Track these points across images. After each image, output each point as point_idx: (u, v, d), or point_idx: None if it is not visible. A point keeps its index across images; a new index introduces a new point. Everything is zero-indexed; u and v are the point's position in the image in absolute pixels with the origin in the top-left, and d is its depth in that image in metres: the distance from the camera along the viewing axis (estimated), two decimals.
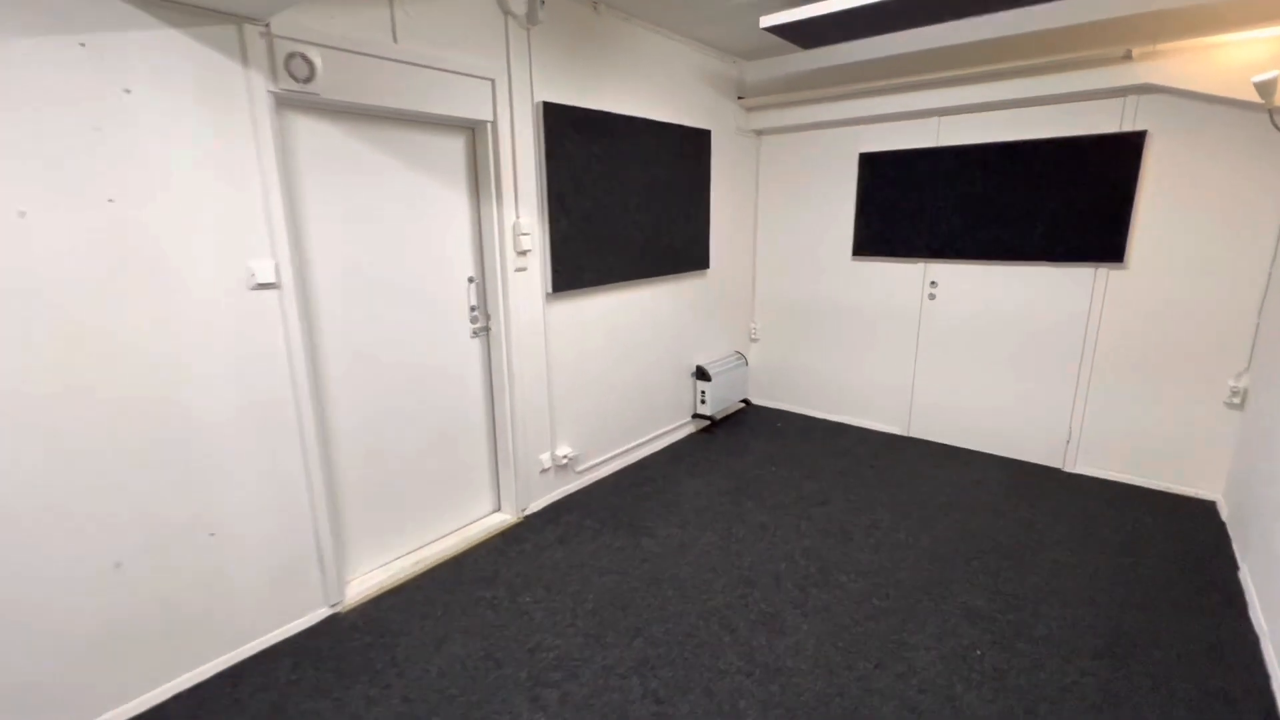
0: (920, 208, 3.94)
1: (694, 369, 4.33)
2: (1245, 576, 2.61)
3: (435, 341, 2.82)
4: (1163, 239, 3.26)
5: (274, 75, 2.04)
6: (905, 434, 4.31)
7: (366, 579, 2.66)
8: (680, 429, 4.30)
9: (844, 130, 4.20)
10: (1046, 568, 2.72)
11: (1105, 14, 2.82)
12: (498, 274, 2.92)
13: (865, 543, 2.94)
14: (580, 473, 3.54)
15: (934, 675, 2.12)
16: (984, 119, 3.66)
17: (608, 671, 2.14)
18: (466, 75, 2.61)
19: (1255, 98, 2.75)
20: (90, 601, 1.86)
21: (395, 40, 2.36)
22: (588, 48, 3.14)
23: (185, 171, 1.89)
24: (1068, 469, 3.71)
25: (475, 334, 3.00)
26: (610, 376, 3.64)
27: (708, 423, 4.47)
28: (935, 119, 3.83)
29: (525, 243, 2.97)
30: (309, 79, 2.12)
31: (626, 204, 3.46)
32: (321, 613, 2.43)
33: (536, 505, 3.29)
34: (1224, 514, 3.15)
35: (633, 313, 3.72)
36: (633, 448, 3.89)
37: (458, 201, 2.82)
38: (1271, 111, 2.83)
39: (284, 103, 2.16)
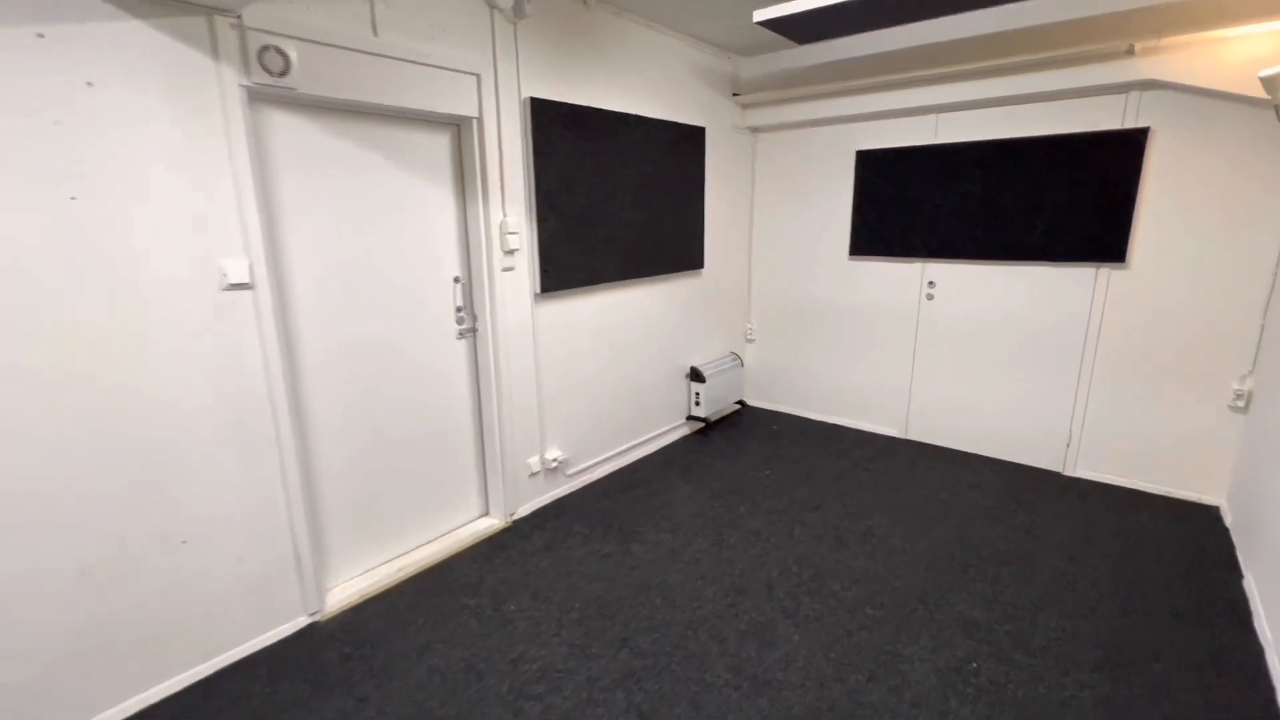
0: (918, 206, 3.87)
1: (688, 370, 4.26)
2: (1250, 585, 2.54)
3: (420, 343, 2.76)
4: (1165, 238, 3.19)
5: (247, 69, 1.98)
6: (903, 436, 4.24)
7: (348, 586, 2.59)
8: (674, 431, 4.24)
9: (840, 127, 4.13)
10: (1045, 575, 2.65)
11: (1107, 8, 2.75)
12: (484, 274, 2.86)
13: (860, 549, 2.87)
14: (571, 476, 3.47)
15: (928, 689, 2.05)
16: (983, 116, 3.59)
17: (592, 684, 2.08)
18: (451, 70, 2.54)
19: (1261, 93, 2.68)
20: (53, 610, 1.80)
21: (375, 34, 2.29)
22: (577, 43, 3.07)
23: (152, 167, 1.82)
24: (1068, 473, 3.64)
25: (462, 335, 2.93)
26: (602, 378, 3.57)
27: (702, 425, 4.40)
28: (933, 116, 3.76)
29: (513, 242, 2.90)
30: (284, 73, 2.06)
31: (618, 202, 3.39)
32: (300, 621, 2.36)
33: (525, 509, 3.23)
34: (1228, 520, 3.08)
35: (625, 313, 3.66)
36: (625, 450, 3.82)
37: (443, 200, 2.76)
38: (1278, 108, 2.76)
39: (258, 97, 2.10)
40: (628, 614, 2.43)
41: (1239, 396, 3.08)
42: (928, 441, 4.13)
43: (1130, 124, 3.18)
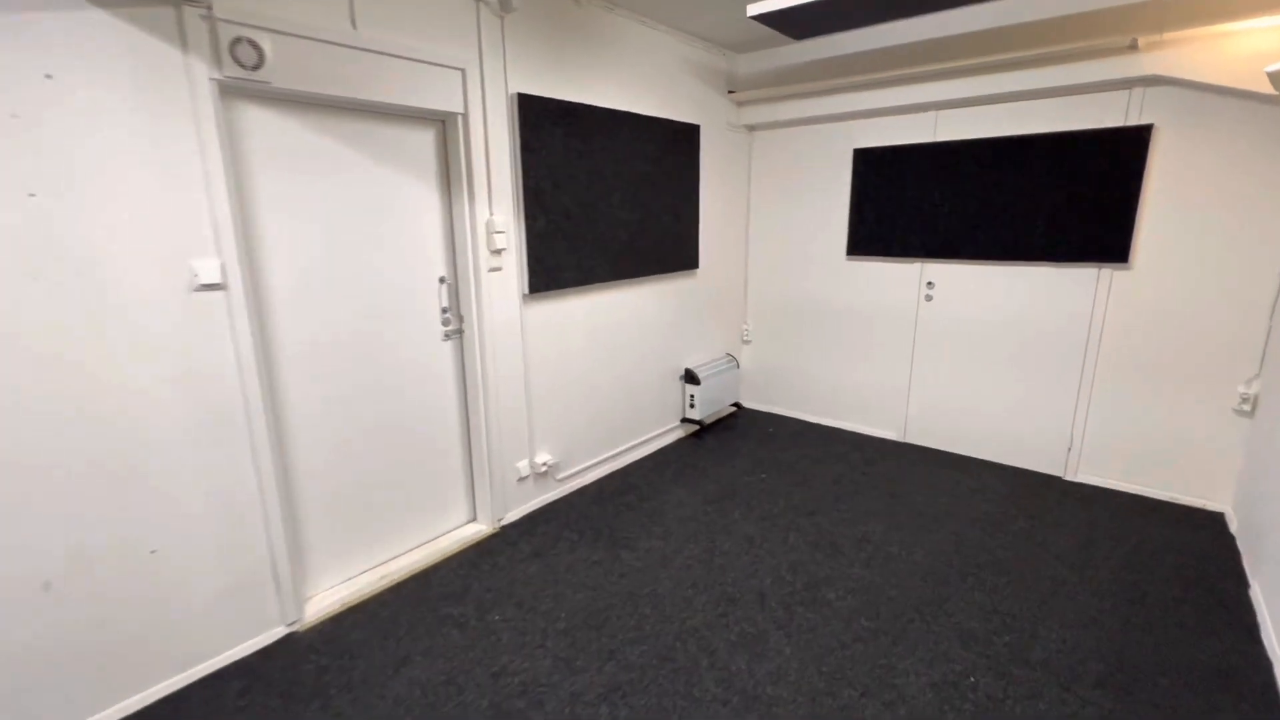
0: (917, 206, 3.80)
1: (682, 372, 4.19)
2: (1257, 595, 2.47)
3: (404, 345, 2.69)
4: (1169, 238, 3.11)
5: (218, 61, 1.91)
6: (901, 439, 4.17)
7: (328, 595, 2.52)
8: (668, 434, 4.17)
9: (838, 125, 4.06)
10: (1045, 584, 2.58)
11: (1109, 2, 2.68)
12: (470, 274, 2.79)
13: (855, 556, 2.80)
14: (561, 480, 3.40)
15: (923, 705, 1.98)
16: (983, 113, 3.51)
17: (575, 699, 2.01)
18: (434, 65, 2.47)
19: (1268, 89, 2.60)
20: (16, 625, 1.73)
21: (354, 26, 2.22)
22: (567, 38, 3.00)
23: (117, 163, 1.76)
24: (1069, 477, 3.56)
25: (448, 337, 2.86)
26: (593, 381, 3.50)
27: (697, 427, 4.33)
28: (933, 113, 3.69)
29: (500, 241, 2.83)
30: (258, 66, 1.99)
31: (609, 201, 3.32)
32: (277, 632, 2.30)
33: (513, 515, 3.16)
34: (1233, 526, 3.01)
35: (617, 314, 3.58)
36: (617, 454, 3.75)
37: (428, 198, 2.69)
38: None
39: (231, 91, 2.03)
40: (615, 624, 2.36)
41: (1244, 400, 3.01)
42: (926, 445, 4.06)
43: (1133, 121, 3.10)
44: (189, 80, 1.86)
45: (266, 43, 1.99)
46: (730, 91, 4.16)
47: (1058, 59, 3.11)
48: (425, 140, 2.64)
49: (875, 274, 4.09)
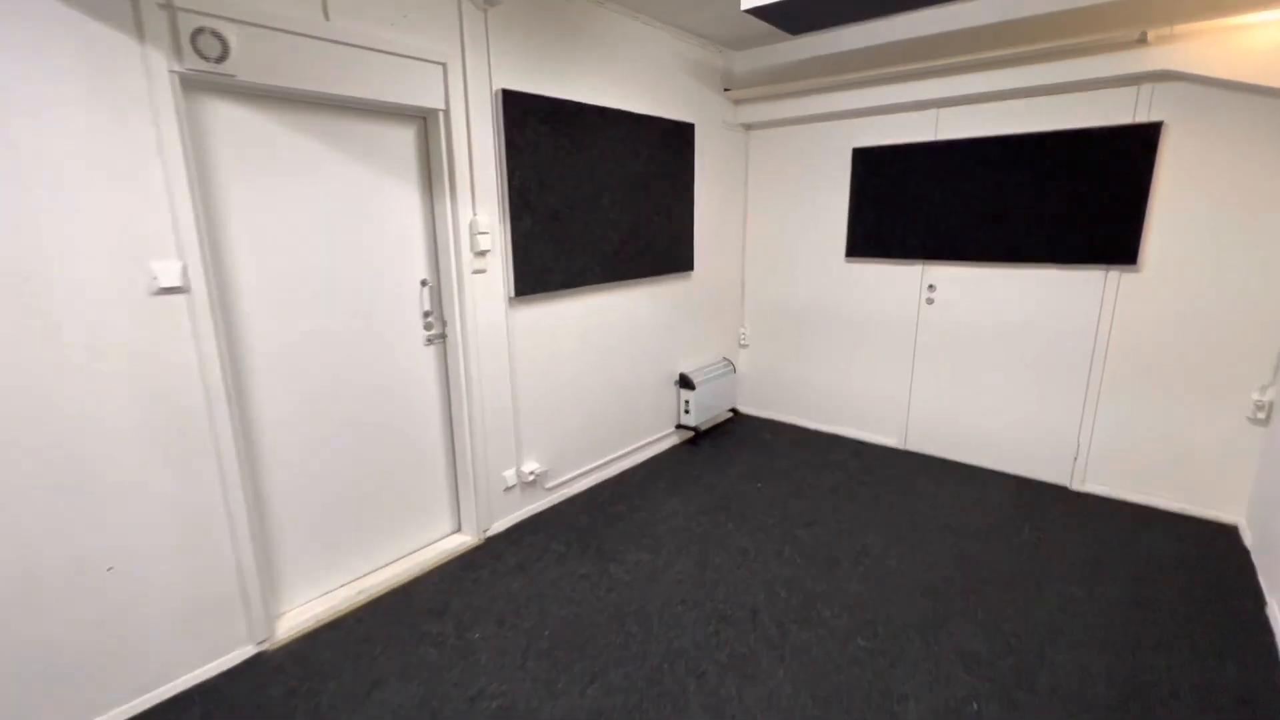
0: (917, 206, 3.69)
1: (677, 377, 4.08)
2: (1274, 613, 2.35)
3: (384, 350, 2.59)
4: (1179, 239, 3.00)
5: (178, 53, 1.81)
6: (902, 447, 4.05)
7: (303, 611, 2.42)
8: (662, 440, 4.06)
9: (837, 124, 3.95)
10: (1052, 602, 2.46)
11: None
12: (453, 277, 2.69)
13: (853, 571, 2.68)
14: (550, 489, 3.30)
15: None
16: (986, 110, 3.41)
17: None
18: (413, 59, 2.37)
19: None
20: None
21: (326, 17, 2.12)
22: (555, 33, 2.90)
23: (65, 160, 1.66)
24: (1075, 487, 3.44)
25: (430, 341, 2.76)
26: (584, 387, 3.40)
27: (692, 434, 4.22)
28: (934, 111, 3.58)
29: (484, 242, 2.73)
30: (222, 58, 1.89)
31: (600, 201, 3.22)
32: (246, 651, 2.19)
33: (500, 526, 3.05)
34: (1247, 540, 2.89)
35: (609, 318, 3.48)
36: (609, 461, 3.65)
37: (408, 198, 2.59)
38: None
39: (194, 85, 1.93)
40: (600, 644, 2.25)
41: (1259, 408, 2.89)
42: (928, 452, 3.94)
43: (1142, 118, 2.99)
44: (146, 72, 1.76)
45: (231, 34, 1.89)
46: (726, 89, 4.05)
47: (1063, 54, 3.00)
48: (405, 138, 2.54)
49: (875, 276, 3.98)
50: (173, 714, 1.94)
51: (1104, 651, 2.19)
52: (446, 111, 2.53)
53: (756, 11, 2.84)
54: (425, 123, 2.58)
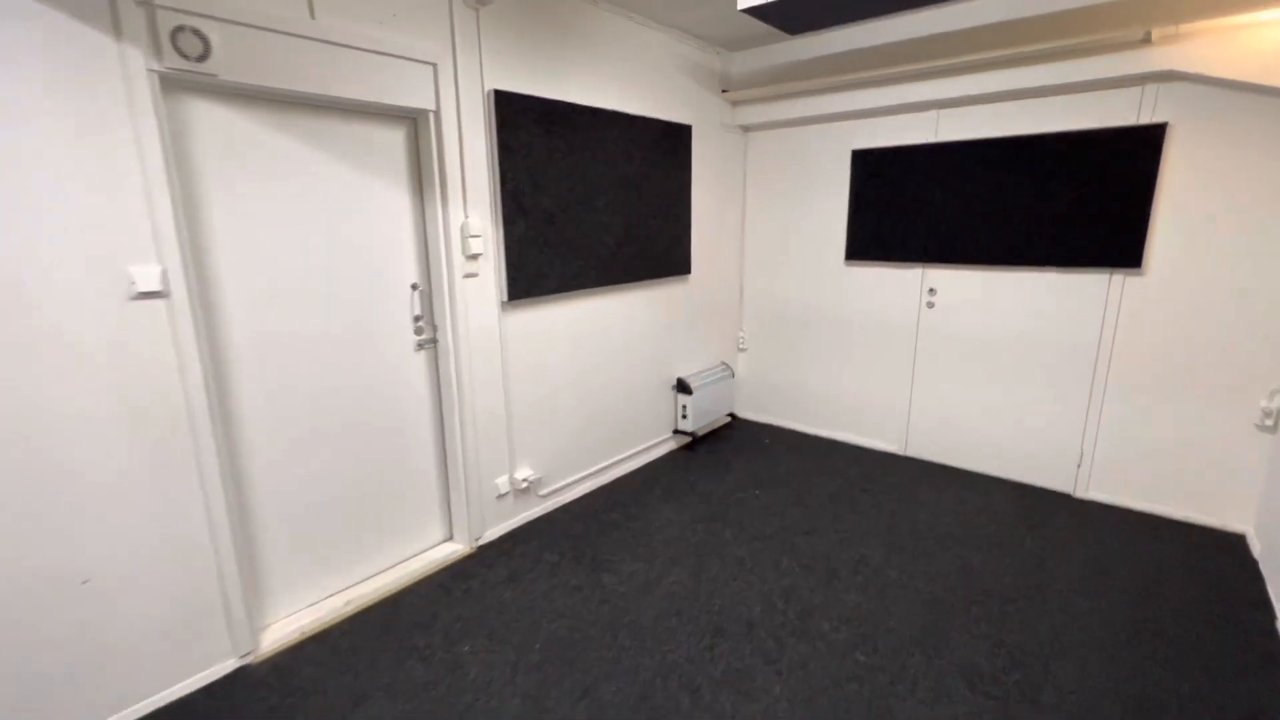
0: (918, 208, 3.63)
1: (674, 382, 4.03)
2: None
3: (374, 355, 2.53)
4: (1185, 243, 2.94)
5: (157, 51, 1.76)
6: (902, 453, 3.99)
7: (288, 623, 2.36)
8: (659, 446, 4.00)
9: (836, 125, 3.90)
10: (1056, 615, 2.40)
11: None
12: (445, 281, 2.64)
13: (852, 582, 2.62)
14: (544, 496, 3.24)
15: None
16: (987, 111, 3.35)
17: None
18: (402, 59, 2.33)
19: None
20: None
21: (312, 16, 2.08)
22: (548, 33, 2.85)
23: (38, 161, 1.61)
24: (1079, 495, 3.38)
25: (421, 346, 2.71)
26: (578, 392, 3.34)
27: (689, 439, 4.16)
28: (934, 112, 3.53)
29: (476, 246, 2.68)
30: (203, 57, 1.84)
31: (595, 204, 3.17)
32: (228, 665, 2.14)
33: (492, 534, 2.99)
34: (1256, 550, 2.82)
35: (604, 322, 3.43)
36: (604, 468, 3.59)
37: (398, 200, 2.54)
38: None
39: (175, 84, 1.88)
40: (592, 658, 2.19)
41: (1267, 415, 2.83)
42: (929, 459, 3.88)
43: (1146, 119, 2.94)
44: (124, 71, 1.71)
45: (212, 32, 1.85)
46: (724, 91, 4.01)
47: (1066, 54, 2.95)
48: (394, 139, 2.49)
49: (875, 279, 3.93)
50: None
51: (1110, 666, 2.13)
52: (437, 112, 2.48)
53: (753, 11, 2.79)
54: (415, 124, 2.53)
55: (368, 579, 2.64)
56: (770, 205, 4.31)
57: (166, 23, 1.76)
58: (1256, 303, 2.81)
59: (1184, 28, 2.67)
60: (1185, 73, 2.74)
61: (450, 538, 2.96)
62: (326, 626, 2.37)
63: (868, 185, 3.81)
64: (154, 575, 1.93)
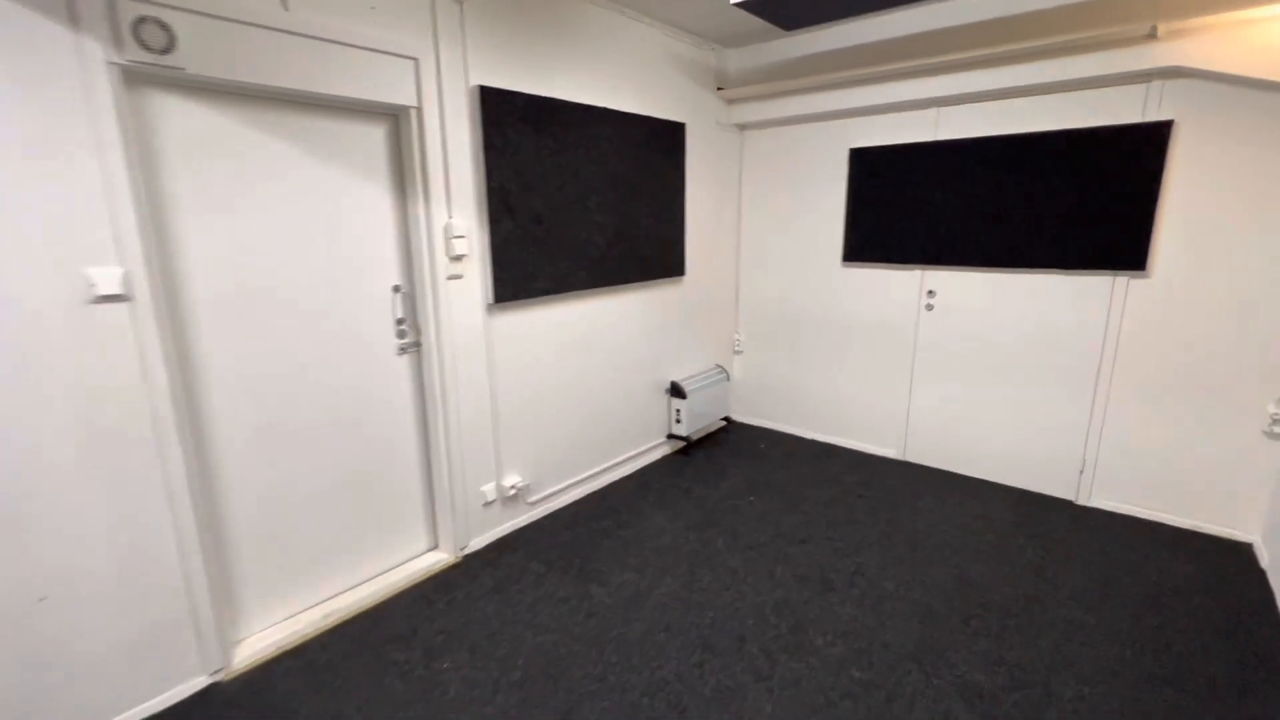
0: (916, 209, 3.55)
1: (668, 385, 3.95)
2: None
3: (354, 359, 2.45)
4: (1191, 244, 2.86)
5: (118, 43, 1.68)
6: (901, 458, 3.91)
7: (263, 637, 2.28)
8: (652, 450, 3.92)
9: (833, 123, 3.82)
10: (1059, 629, 2.32)
11: None
12: (428, 283, 2.56)
13: (848, 593, 2.54)
14: (533, 504, 3.16)
15: None
16: (988, 109, 3.27)
17: None
18: (382, 53, 2.25)
19: None
20: None
21: (285, 8, 1.99)
22: (536, 27, 2.77)
23: None
24: (1081, 501, 3.30)
25: (403, 350, 2.63)
26: (569, 397, 3.26)
27: (683, 444, 4.08)
28: (933, 110, 3.45)
29: (460, 247, 2.60)
30: (168, 49, 1.76)
31: (585, 204, 3.09)
32: (198, 683, 2.06)
33: (479, 542, 2.91)
34: (1263, 560, 2.74)
35: (595, 325, 3.34)
36: (596, 474, 3.51)
37: (379, 199, 2.46)
38: None
39: (139, 78, 1.80)
40: (576, 674, 2.11)
41: (1276, 421, 2.75)
42: (928, 464, 3.80)
43: (1152, 117, 2.85)
44: (81, 63, 1.63)
45: (178, 23, 1.77)
46: (719, 88, 3.93)
47: (1069, 49, 2.87)
48: (375, 136, 2.41)
49: (873, 281, 3.85)
50: None
51: (1115, 685, 2.04)
52: (419, 109, 2.40)
53: (747, 6, 2.72)
54: (397, 121, 2.45)
55: (348, 590, 2.56)
56: (767, 205, 4.23)
57: (128, 13, 1.68)
58: (1265, 305, 2.73)
59: (1191, 22, 2.59)
60: (1192, 69, 2.66)
61: (435, 547, 2.87)
62: (304, 641, 2.29)
63: (866, 185, 3.72)
64: (117, 590, 1.85)
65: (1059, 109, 3.07)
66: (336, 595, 2.52)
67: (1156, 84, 2.82)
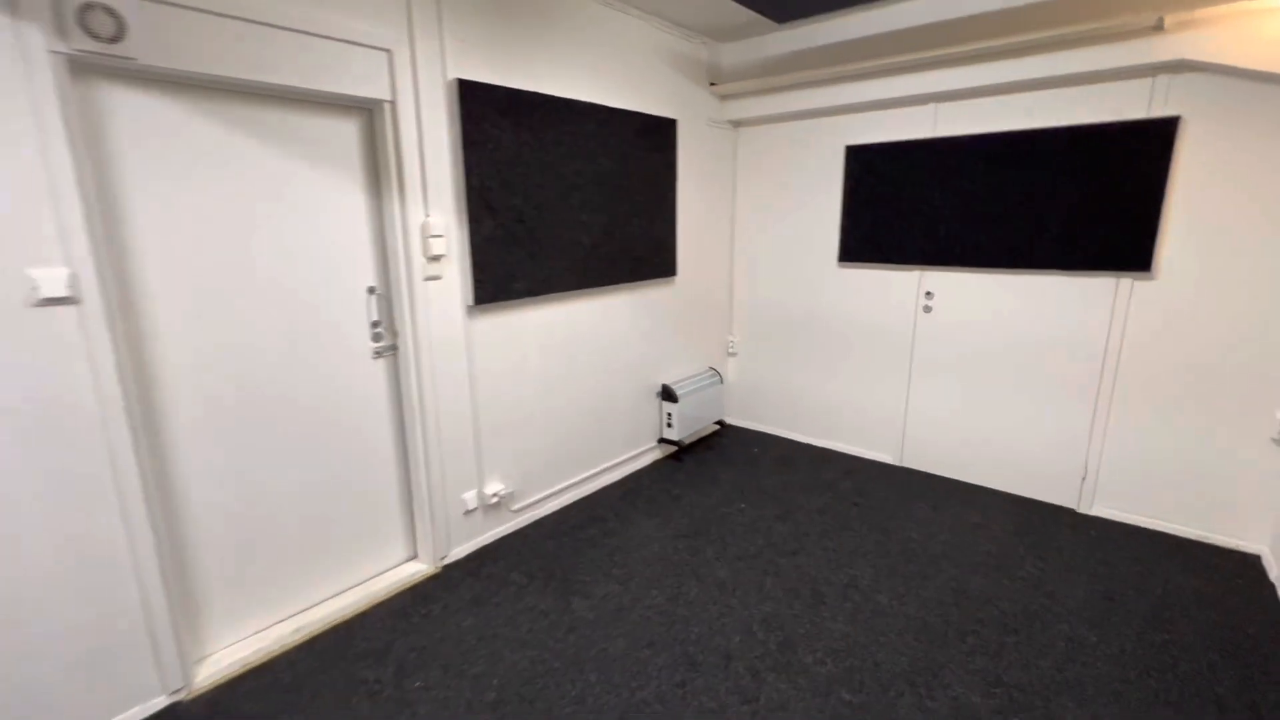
0: (914, 208, 3.45)
1: (659, 389, 3.85)
2: None
3: (326, 363, 2.36)
4: (1198, 245, 2.76)
5: (62, 31, 1.59)
6: (897, 463, 3.81)
7: (230, 653, 2.19)
8: (643, 455, 3.82)
9: (829, 120, 3.72)
10: (1059, 647, 2.22)
11: None
12: (404, 284, 2.46)
13: (839, 608, 2.45)
14: (516, 511, 3.06)
15: None
16: (988, 105, 3.17)
17: None
18: (352, 44, 2.15)
19: None
20: None
21: None
22: (518, 18, 2.67)
23: None
24: (1083, 510, 3.20)
25: (379, 354, 2.53)
26: (555, 401, 3.16)
27: (675, 448, 3.98)
28: (932, 106, 3.34)
29: (438, 246, 2.50)
30: (116, 38, 1.67)
31: (570, 202, 2.99)
32: (157, 703, 1.96)
33: (459, 552, 2.82)
34: (1272, 572, 2.64)
35: (582, 327, 3.25)
36: (583, 479, 3.41)
37: (352, 197, 2.36)
38: None
39: (86, 69, 1.70)
40: (553, 695, 2.02)
41: None
42: (925, 470, 3.70)
43: (1158, 113, 2.75)
44: (21, 53, 1.54)
45: (127, 10, 1.67)
46: (712, 84, 3.82)
47: (1071, 43, 2.77)
48: (347, 132, 2.31)
49: (870, 282, 3.74)
50: None
51: (1118, 709, 1.95)
52: (393, 103, 2.30)
53: None
54: (371, 115, 2.36)
55: (322, 603, 2.47)
56: (762, 204, 4.13)
57: None
58: (1275, 308, 2.63)
59: (1199, 13, 2.49)
60: (1199, 62, 2.55)
61: (414, 557, 2.78)
62: (272, 657, 2.20)
63: (863, 183, 3.62)
64: (66, 608, 1.76)
65: (1061, 105, 2.96)
66: (309, 608, 2.43)
67: (1163, 78, 2.72)
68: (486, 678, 2.09)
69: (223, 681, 2.08)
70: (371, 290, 2.47)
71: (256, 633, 2.29)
